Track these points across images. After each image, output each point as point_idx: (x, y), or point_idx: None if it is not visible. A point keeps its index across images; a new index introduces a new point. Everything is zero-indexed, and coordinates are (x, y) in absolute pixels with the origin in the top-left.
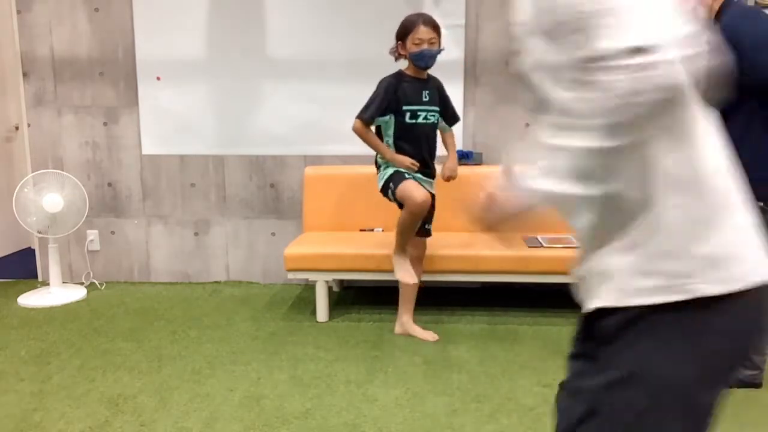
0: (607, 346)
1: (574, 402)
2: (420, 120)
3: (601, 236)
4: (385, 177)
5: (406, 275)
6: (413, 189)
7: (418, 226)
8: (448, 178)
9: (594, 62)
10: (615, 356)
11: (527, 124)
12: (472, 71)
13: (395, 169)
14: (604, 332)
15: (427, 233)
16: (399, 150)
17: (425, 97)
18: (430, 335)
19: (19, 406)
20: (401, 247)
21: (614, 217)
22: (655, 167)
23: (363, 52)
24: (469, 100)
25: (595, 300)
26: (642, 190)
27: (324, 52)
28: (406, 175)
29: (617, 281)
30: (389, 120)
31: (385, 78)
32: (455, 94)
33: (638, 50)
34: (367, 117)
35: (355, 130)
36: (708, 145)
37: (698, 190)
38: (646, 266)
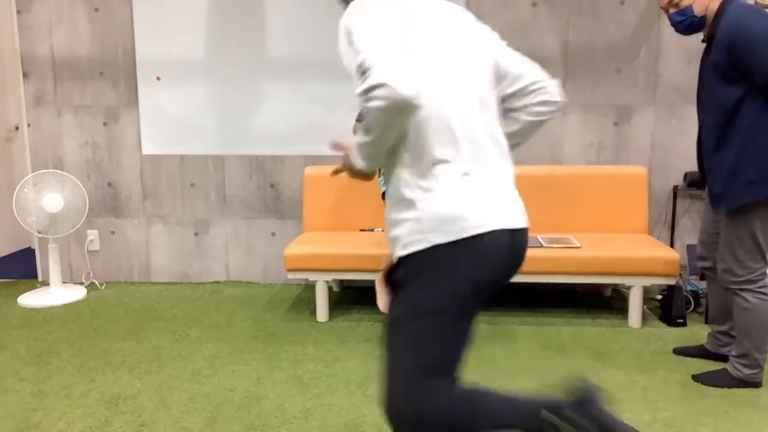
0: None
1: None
2: None
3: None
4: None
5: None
6: None
7: None
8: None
9: (359, 95)
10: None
11: None
12: None
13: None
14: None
15: None
16: None
17: None
18: None
19: (19, 406)
20: None
21: (391, 187)
22: (398, 156)
23: None
24: None
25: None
26: (395, 174)
27: (324, 52)
28: None
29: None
30: None
31: None
32: None
33: (368, 89)
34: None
35: (353, 131)
36: (432, 141)
37: (424, 170)
38: (414, 227)
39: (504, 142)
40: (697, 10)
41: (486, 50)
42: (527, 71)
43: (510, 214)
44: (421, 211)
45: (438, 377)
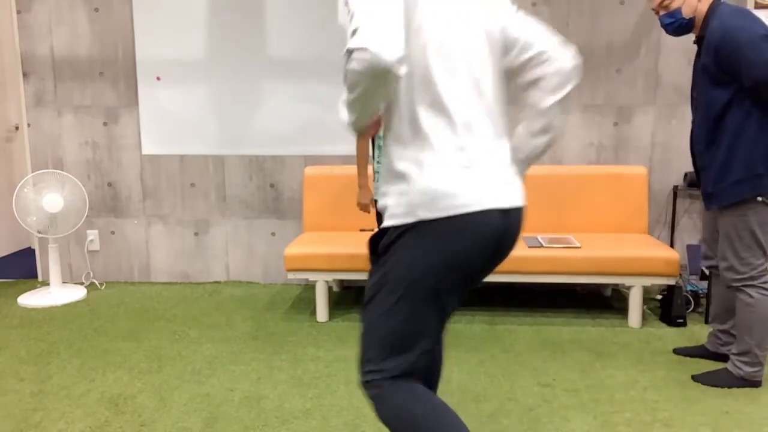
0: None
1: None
2: None
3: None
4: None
5: None
6: None
7: None
8: None
9: (343, 54)
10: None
11: None
12: None
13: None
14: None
15: None
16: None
17: None
18: None
19: (19, 406)
20: None
21: (385, 159)
22: (391, 128)
23: None
24: None
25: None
26: (388, 146)
27: (324, 52)
28: None
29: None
30: None
31: None
32: None
33: (349, 51)
34: None
35: (356, 141)
36: (425, 114)
37: (418, 144)
38: (402, 199)
39: (500, 117)
40: (686, 12)
41: (494, 17)
42: (538, 39)
43: (503, 193)
44: (411, 184)
45: (399, 356)
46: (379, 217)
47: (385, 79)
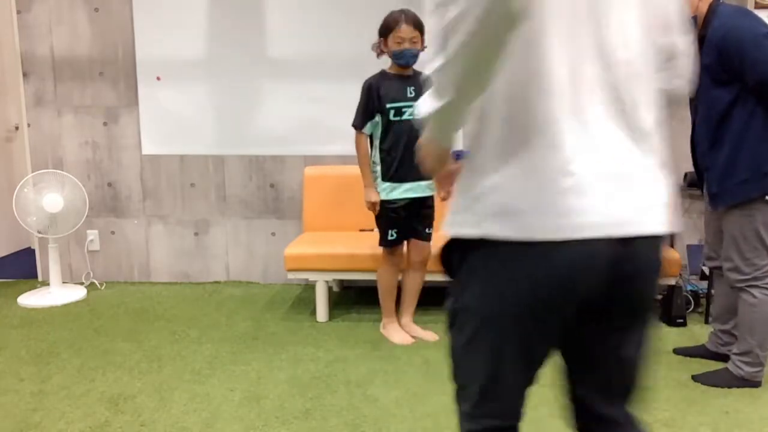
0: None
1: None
2: (406, 116)
3: None
4: (383, 204)
5: (400, 338)
6: (393, 248)
7: (397, 281)
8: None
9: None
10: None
11: None
12: None
13: (383, 201)
14: None
15: (429, 238)
16: (390, 154)
17: (410, 93)
18: (430, 335)
19: (19, 406)
20: (388, 312)
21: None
22: (483, 133)
23: (363, 51)
24: None
25: None
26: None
27: (324, 52)
28: (391, 232)
29: None
30: (378, 122)
31: (367, 80)
32: None
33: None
34: (356, 123)
35: (355, 142)
36: (529, 105)
37: (513, 147)
38: (470, 204)
39: (647, 121)
40: (690, 12)
41: None
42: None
43: (626, 215)
44: (489, 186)
45: (470, 406)
46: (379, 217)
47: (504, 29)
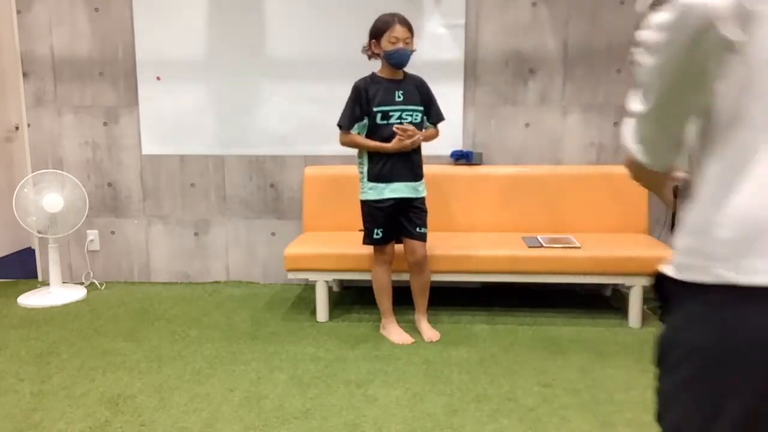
0: None
1: None
2: (393, 120)
3: None
4: (363, 202)
5: (400, 338)
6: (380, 247)
7: (390, 280)
8: (402, 130)
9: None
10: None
11: (527, 124)
12: (472, 71)
13: (369, 200)
14: None
15: (421, 237)
16: (378, 156)
17: (398, 97)
18: (434, 334)
19: (19, 406)
20: (385, 312)
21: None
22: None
23: None
24: (469, 100)
25: None
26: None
27: (324, 52)
28: (377, 230)
29: None
30: (365, 125)
31: (356, 82)
32: (455, 94)
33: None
34: (343, 123)
35: (340, 141)
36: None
37: (744, 164)
38: (696, 242)
39: None
40: None
41: None
42: None
43: None
44: (719, 215)
45: None
46: (366, 217)
47: (701, 41)
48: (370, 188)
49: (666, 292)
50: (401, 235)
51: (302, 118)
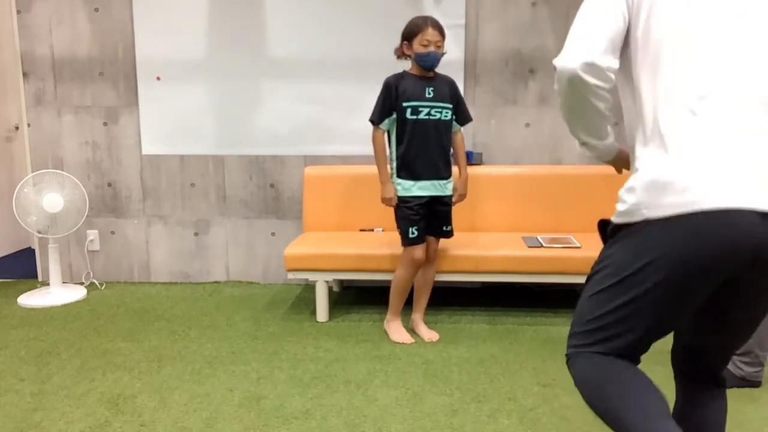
0: None
1: None
2: (422, 116)
3: None
4: (396, 205)
5: (400, 337)
6: (414, 247)
7: (412, 283)
8: (458, 200)
9: None
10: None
11: (527, 124)
12: (472, 71)
13: (403, 198)
14: None
15: (447, 234)
16: (407, 151)
17: (428, 93)
18: (434, 334)
19: (19, 406)
20: (395, 310)
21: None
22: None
23: (363, 51)
24: (469, 100)
25: None
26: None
27: (324, 52)
28: (412, 229)
29: None
30: (395, 119)
31: (387, 78)
32: None
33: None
34: (374, 118)
35: (372, 137)
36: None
37: (654, 134)
38: (627, 197)
39: None
40: None
41: None
42: None
43: (765, 189)
44: (637, 179)
45: (602, 344)
46: (399, 218)
47: (576, 85)
48: (398, 183)
49: (609, 233)
50: (428, 233)
51: (302, 118)
